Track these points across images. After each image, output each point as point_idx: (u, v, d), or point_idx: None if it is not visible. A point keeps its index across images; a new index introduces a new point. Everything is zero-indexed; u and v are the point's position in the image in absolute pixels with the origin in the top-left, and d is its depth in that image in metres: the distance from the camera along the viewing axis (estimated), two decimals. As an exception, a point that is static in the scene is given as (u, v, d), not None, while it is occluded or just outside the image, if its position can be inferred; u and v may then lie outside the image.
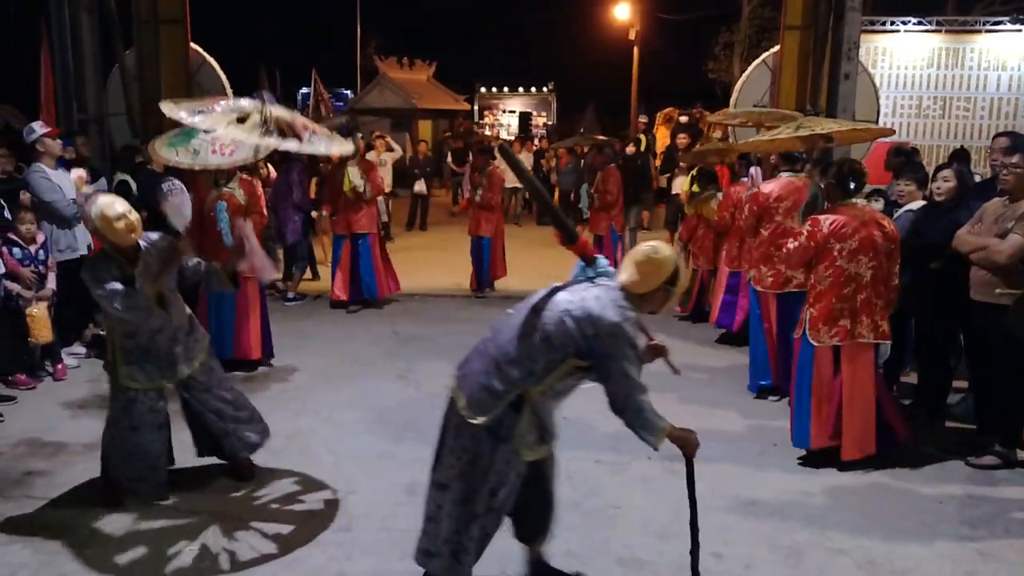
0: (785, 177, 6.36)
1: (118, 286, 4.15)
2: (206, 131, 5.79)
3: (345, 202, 8.92)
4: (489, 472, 3.27)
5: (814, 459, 5.12)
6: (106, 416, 4.54)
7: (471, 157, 10.76)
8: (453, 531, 3.32)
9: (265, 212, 7.02)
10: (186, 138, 5.98)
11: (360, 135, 10.01)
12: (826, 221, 4.98)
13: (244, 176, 6.81)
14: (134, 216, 4.20)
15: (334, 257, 9.24)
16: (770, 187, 6.38)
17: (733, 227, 7.39)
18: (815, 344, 4.97)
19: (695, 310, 8.76)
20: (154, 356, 4.39)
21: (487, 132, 28.94)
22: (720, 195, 8.36)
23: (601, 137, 12.98)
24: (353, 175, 8.81)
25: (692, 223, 8.89)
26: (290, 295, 9.52)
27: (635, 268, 3.26)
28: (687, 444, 3.32)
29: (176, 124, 4.69)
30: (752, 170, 7.84)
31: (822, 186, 5.49)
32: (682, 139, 12.41)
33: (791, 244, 5.15)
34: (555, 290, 3.36)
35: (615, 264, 3.44)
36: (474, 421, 3.23)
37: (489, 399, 3.23)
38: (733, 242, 7.66)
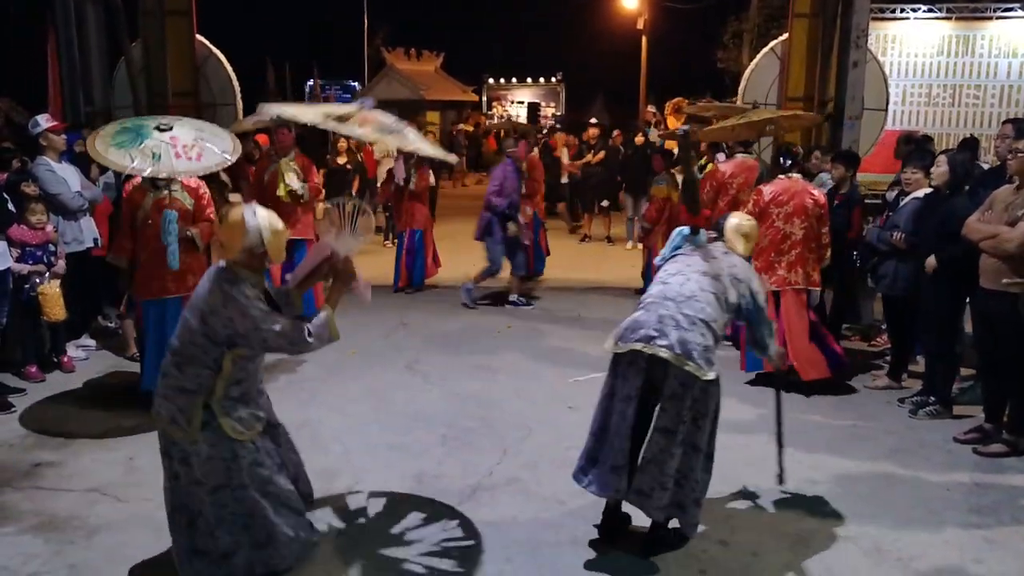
0: (739, 157, 7.72)
1: (283, 321, 3.58)
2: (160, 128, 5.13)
3: (277, 205, 6.92)
4: (717, 415, 3.87)
5: (765, 379, 6.07)
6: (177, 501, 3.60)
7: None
8: (686, 470, 3.78)
9: (214, 217, 5.72)
10: (136, 136, 5.08)
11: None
12: (767, 190, 6.12)
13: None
14: None
15: None
16: (725, 166, 7.67)
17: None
18: None
19: None
20: (250, 399, 3.68)
21: (495, 122, 28.93)
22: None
23: (526, 125, 12.93)
24: (289, 178, 7.41)
25: (659, 205, 8.63)
26: (513, 297, 9.11)
27: (744, 239, 4.20)
28: (782, 357, 4.58)
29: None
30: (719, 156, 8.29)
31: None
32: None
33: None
34: (687, 257, 4.07)
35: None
36: (710, 376, 3.67)
37: (711, 355, 3.71)
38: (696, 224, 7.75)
